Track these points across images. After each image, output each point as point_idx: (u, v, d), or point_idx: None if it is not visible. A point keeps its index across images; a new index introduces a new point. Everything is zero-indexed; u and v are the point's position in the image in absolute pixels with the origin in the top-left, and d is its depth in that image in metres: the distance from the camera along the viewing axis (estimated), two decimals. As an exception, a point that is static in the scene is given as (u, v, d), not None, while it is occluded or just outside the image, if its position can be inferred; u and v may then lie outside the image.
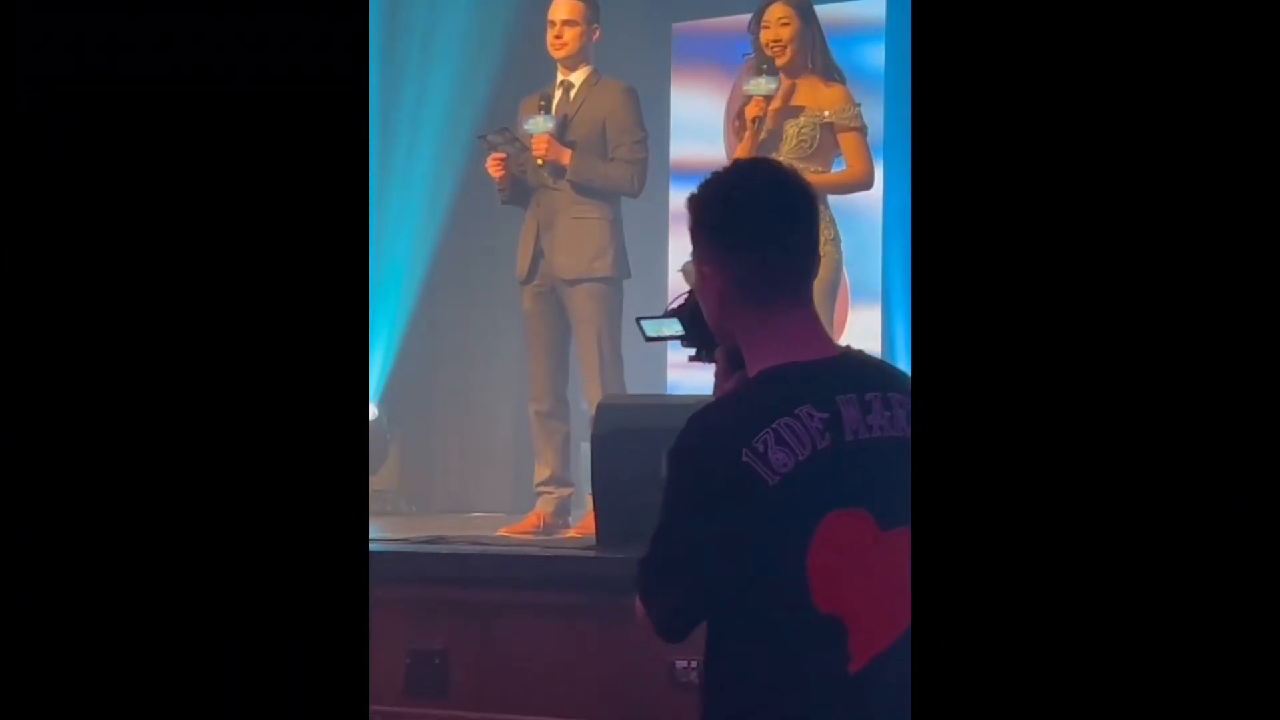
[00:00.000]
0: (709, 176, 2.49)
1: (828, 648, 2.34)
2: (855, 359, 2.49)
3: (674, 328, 2.51)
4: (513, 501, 7.36)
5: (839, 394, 2.39)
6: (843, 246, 5.52)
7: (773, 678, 2.36)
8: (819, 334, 2.47)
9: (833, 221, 5.45)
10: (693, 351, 2.49)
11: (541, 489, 5.97)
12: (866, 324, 7.46)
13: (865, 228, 7.20)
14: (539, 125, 5.85)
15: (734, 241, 2.43)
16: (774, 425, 2.34)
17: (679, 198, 7.03)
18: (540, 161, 5.85)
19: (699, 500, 2.37)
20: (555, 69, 6.00)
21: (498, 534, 5.80)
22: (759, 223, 2.42)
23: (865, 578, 2.36)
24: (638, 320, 2.66)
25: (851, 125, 5.46)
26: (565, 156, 5.83)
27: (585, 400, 5.89)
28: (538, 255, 5.92)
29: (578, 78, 5.97)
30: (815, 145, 5.44)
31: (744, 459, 2.33)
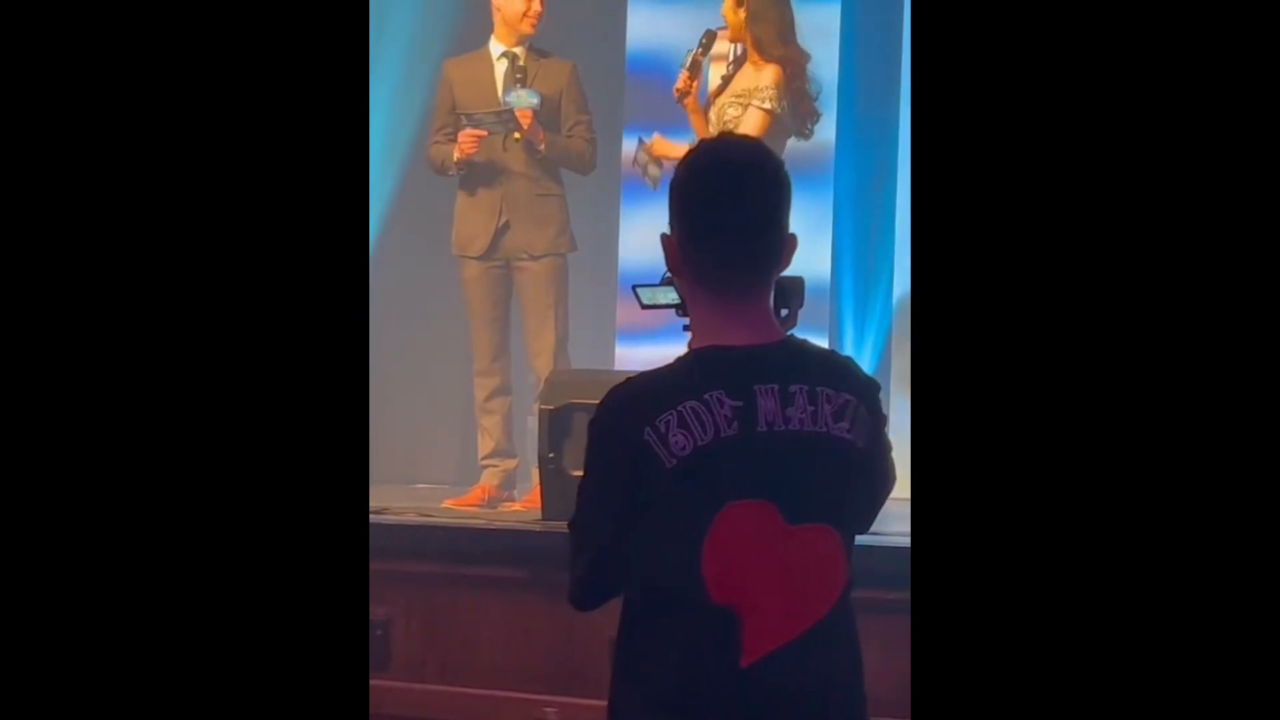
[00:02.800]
0: (697, 144, 2.46)
1: (719, 638, 2.27)
2: (792, 348, 2.39)
3: (669, 296, 2.47)
4: (457, 473, 7.34)
5: (760, 383, 2.30)
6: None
7: (665, 663, 2.31)
8: (761, 320, 2.38)
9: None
10: (687, 320, 2.45)
11: (486, 462, 5.97)
12: (814, 303, 7.48)
13: (815, 208, 7.21)
14: (523, 99, 5.83)
15: (686, 217, 2.37)
16: (679, 407, 2.27)
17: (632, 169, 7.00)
18: (518, 136, 5.84)
19: (604, 473, 2.34)
20: (487, 37, 5.98)
21: (443, 506, 5.80)
22: (712, 205, 2.35)
23: (765, 571, 2.28)
24: (634, 288, 2.63)
25: (761, 106, 5.42)
26: (541, 135, 5.83)
27: (532, 373, 5.89)
28: (500, 230, 5.91)
29: (520, 51, 5.96)
30: (736, 126, 5.42)
31: (645, 437, 2.27)
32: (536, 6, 5.93)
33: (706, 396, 2.29)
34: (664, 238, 2.40)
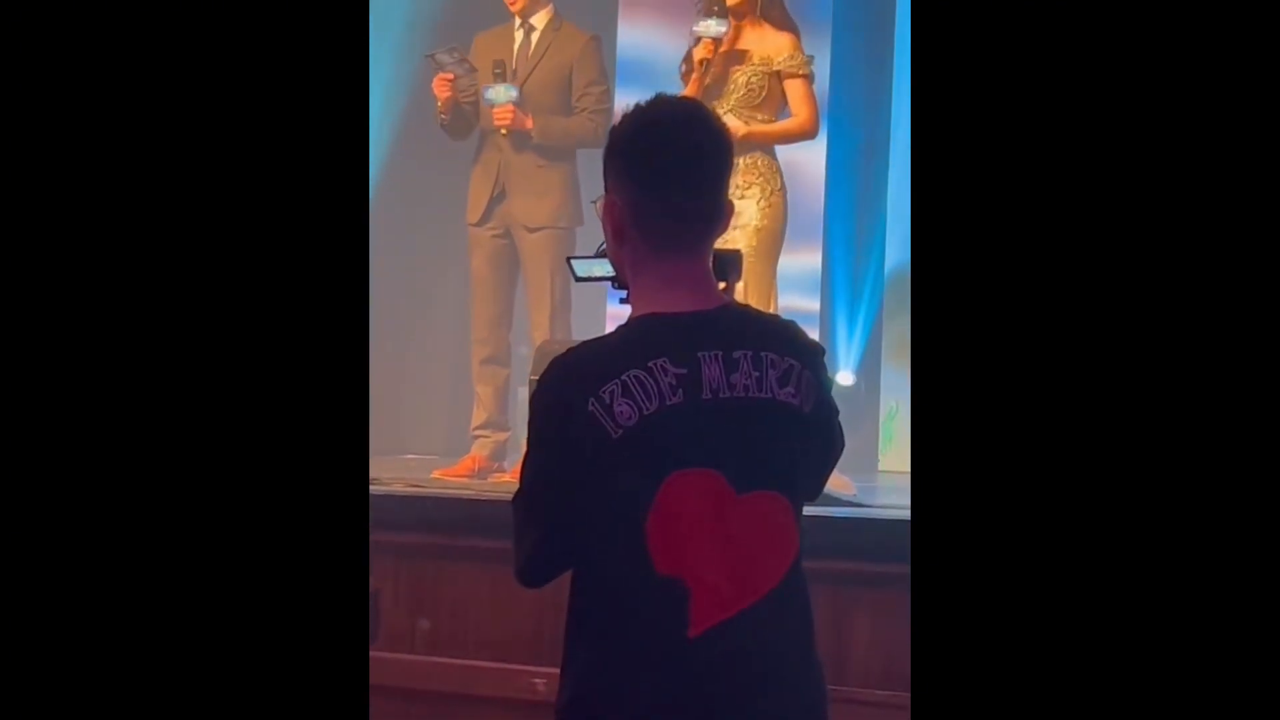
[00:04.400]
0: (634, 107, 2.40)
1: (665, 609, 2.23)
2: (734, 313, 2.37)
3: (604, 268, 2.44)
4: (446, 443, 7.33)
5: (704, 350, 2.28)
6: (788, 196, 5.50)
7: (613, 636, 2.28)
8: (703, 285, 2.35)
9: (779, 171, 5.43)
10: (624, 294, 2.42)
11: (478, 432, 5.95)
12: (807, 274, 7.47)
13: (808, 178, 7.19)
14: (501, 95, 5.80)
15: (635, 173, 2.33)
16: (622, 376, 2.24)
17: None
18: (504, 131, 5.80)
19: (548, 446, 2.29)
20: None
21: (432, 476, 5.79)
22: (662, 159, 2.31)
23: (713, 541, 2.25)
24: (568, 260, 2.60)
25: (799, 73, 5.42)
26: (529, 123, 5.80)
27: (531, 343, 5.88)
28: (496, 199, 5.89)
29: (539, 20, 5.93)
30: (764, 94, 5.40)
31: (590, 407, 2.23)
32: None
33: (650, 365, 2.26)
34: (604, 203, 2.36)
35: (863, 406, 7.47)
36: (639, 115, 2.36)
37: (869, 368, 7.65)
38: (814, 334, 7.68)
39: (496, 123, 5.81)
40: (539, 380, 2.33)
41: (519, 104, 5.80)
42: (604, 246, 2.41)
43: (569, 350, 2.35)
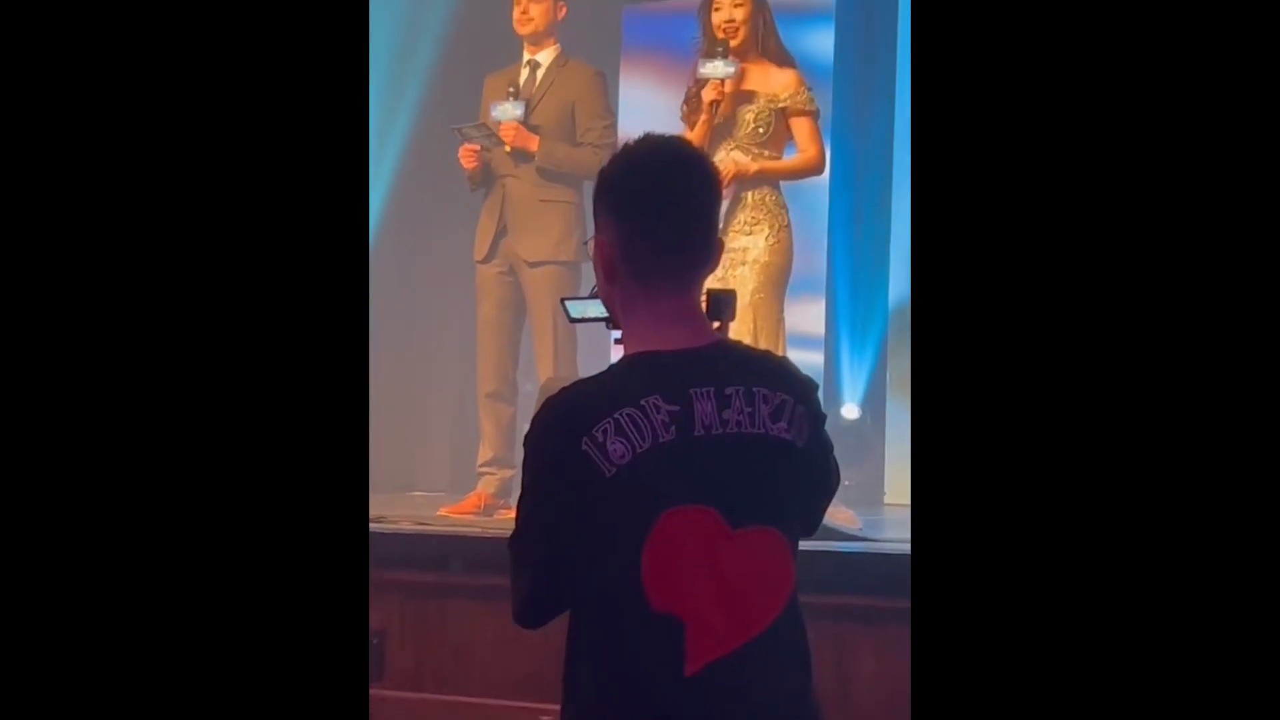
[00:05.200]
0: (622, 147, 2.42)
1: (662, 647, 2.23)
2: (726, 350, 2.38)
3: (598, 309, 2.46)
4: (451, 480, 7.33)
5: (696, 386, 2.28)
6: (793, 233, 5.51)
7: (610, 674, 2.27)
8: (694, 322, 2.36)
9: (785, 207, 5.45)
10: (618, 334, 2.43)
11: (484, 469, 5.96)
12: (812, 311, 7.47)
13: (812, 212, 7.20)
14: (507, 112, 5.85)
15: (626, 211, 2.34)
16: (615, 415, 2.24)
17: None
18: (508, 148, 5.83)
19: (543, 486, 2.29)
20: (519, 46, 5.99)
21: (438, 514, 5.79)
22: (653, 196, 2.33)
23: (709, 578, 2.25)
24: (562, 301, 2.61)
25: (804, 109, 5.45)
26: (533, 143, 5.83)
27: (536, 379, 5.89)
28: (499, 235, 5.92)
29: (545, 57, 5.97)
30: (771, 131, 5.43)
31: (583, 447, 2.23)
32: (525, 9, 5.92)
33: (643, 403, 2.26)
34: (595, 242, 2.37)
35: (868, 440, 7.47)
36: (627, 155, 2.38)
37: (874, 401, 7.65)
38: (819, 367, 7.73)
39: (502, 137, 5.83)
40: (533, 421, 2.33)
41: (524, 122, 5.82)
42: (597, 288, 2.43)
43: (561, 391, 2.35)
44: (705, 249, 2.37)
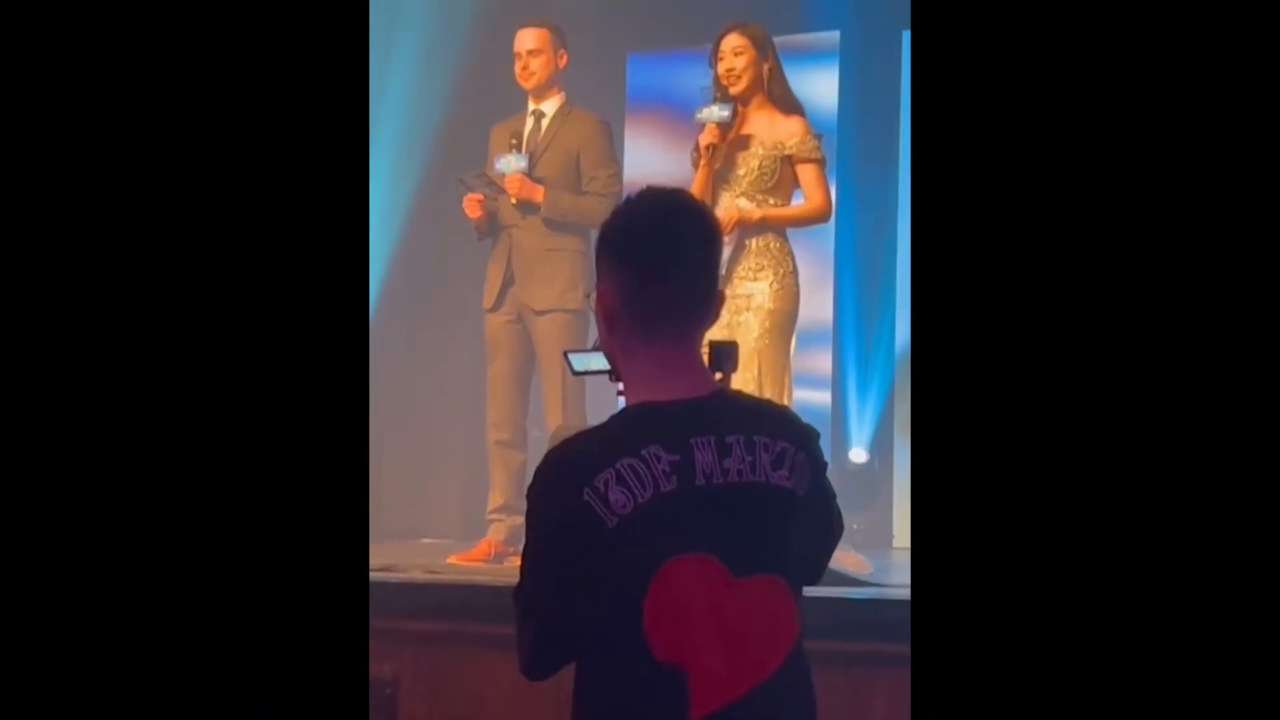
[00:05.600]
0: (624, 200, 2.45)
1: (666, 696, 2.24)
2: (726, 399, 2.40)
3: (600, 362, 2.48)
4: (463, 527, 7.34)
5: (696, 436, 2.30)
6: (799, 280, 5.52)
7: None
8: (694, 372, 2.39)
9: (791, 253, 5.46)
10: (620, 385, 2.45)
11: (494, 516, 5.97)
12: (819, 355, 7.49)
13: (817, 256, 7.22)
14: (511, 164, 5.88)
15: (626, 262, 2.37)
16: (616, 465, 2.26)
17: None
18: (514, 200, 5.86)
19: (546, 537, 2.31)
20: (525, 95, 6.03)
21: (448, 561, 5.80)
22: (652, 248, 2.36)
23: (711, 626, 2.26)
24: (565, 354, 2.63)
25: (811, 157, 5.46)
26: (538, 194, 5.86)
27: (546, 426, 5.90)
28: (507, 284, 5.94)
29: (549, 107, 6.00)
30: (776, 178, 5.44)
31: (584, 498, 2.25)
32: (525, 64, 5.96)
33: (643, 453, 2.28)
34: (597, 293, 2.40)
35: (876, 484, 7.47)
36: (628, 207, 2.41)
37: (882, 445, 7.65)
38: (827, 410, 7.74)
39: (507, 189, 5.86)
40: (535, 473, 2.35)
41: (528, 174, 5.86)
42: (599, 340, 2.45)
43: (563, 442, 2.37)
44: (705, 300, 2.39)
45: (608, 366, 2.45)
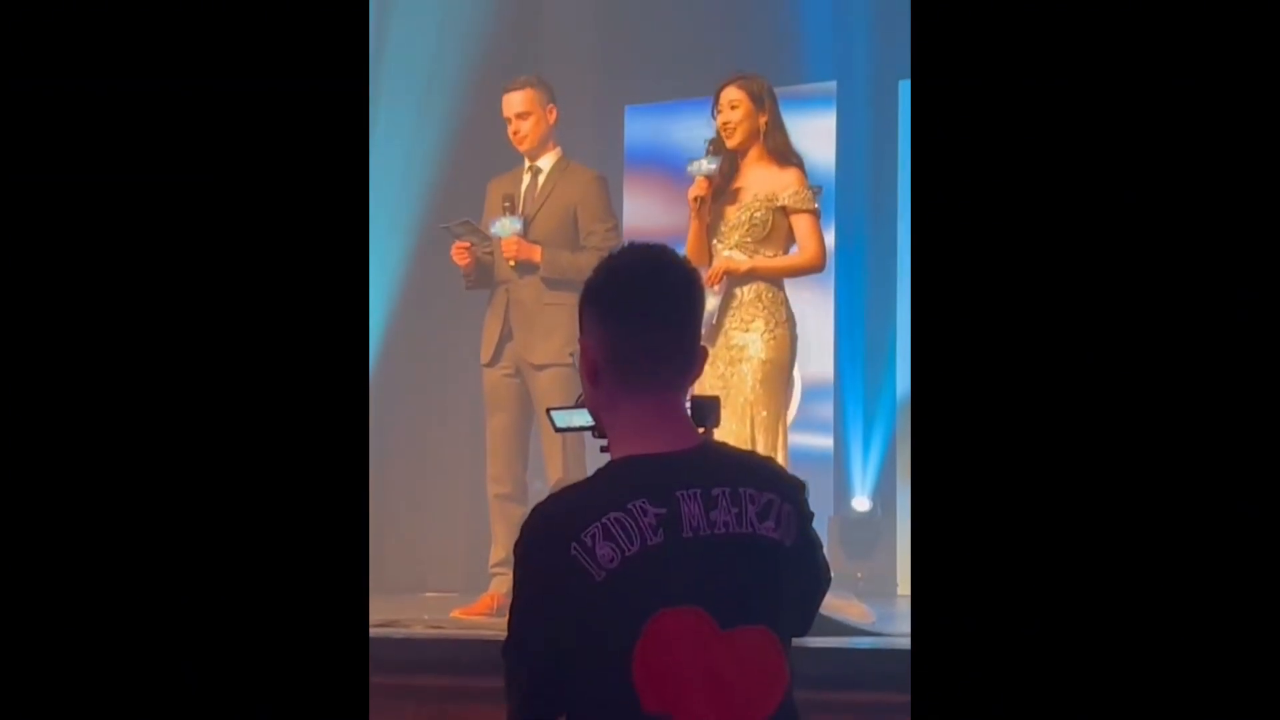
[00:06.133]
0: (606, 256, 2.48)
1: None
2: (712, 451, 2.41)
3: (584, 418, 2.49)
4: (466, 580, 7.34)
5: (682, 489, 2.31)
6: (798, 329, 5.53)
7: None
8: (679, 425, 2.39)
9: (785, 302, 5.47)
10: (604, 442, 2.47)
11: (496, 570, 5.96)
12: (821, 403, 7.50)
13: (818, 304, 7.25)
14: (506, 228, 5.90)
15: (607, 317, 2.39)
16: (603, 519, 2.26)
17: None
18: (512, 262, 5.89)
19: (533, 592, 2.31)
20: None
21: (451, 615, 5.80)
22: (633, 303, 2.38)
23: (699, 678, 2.26)
24: (548, 411, 2.65)
25: (804, 208, 5.46)
26: (535, 254, 5.88)
27: (545, 480, 5.91)
28: (504, 338, 5.96)
29: (546, 162, 6.02)
30: (769, 229, 5.45)
31: (572, 552, 2.25)
32: (515, 128, 6.00)
33: (630, 506, 2.28)
34: (580, 347, 2.42)
35: (879, 532, 7.47)
36: (610, 263, 2.44)
37: (885, 492, 7.66)
38: (829, 459, 7.74)
39: (504, 254, 5.89)
40: (522, 528, 2.35)
41: (524, 235, 5.88)
42: (582, 397, 2.46)
43: (549, 498, 2.39)
44: (689, 354, 2.41)
45: (590, 423, 2.47)
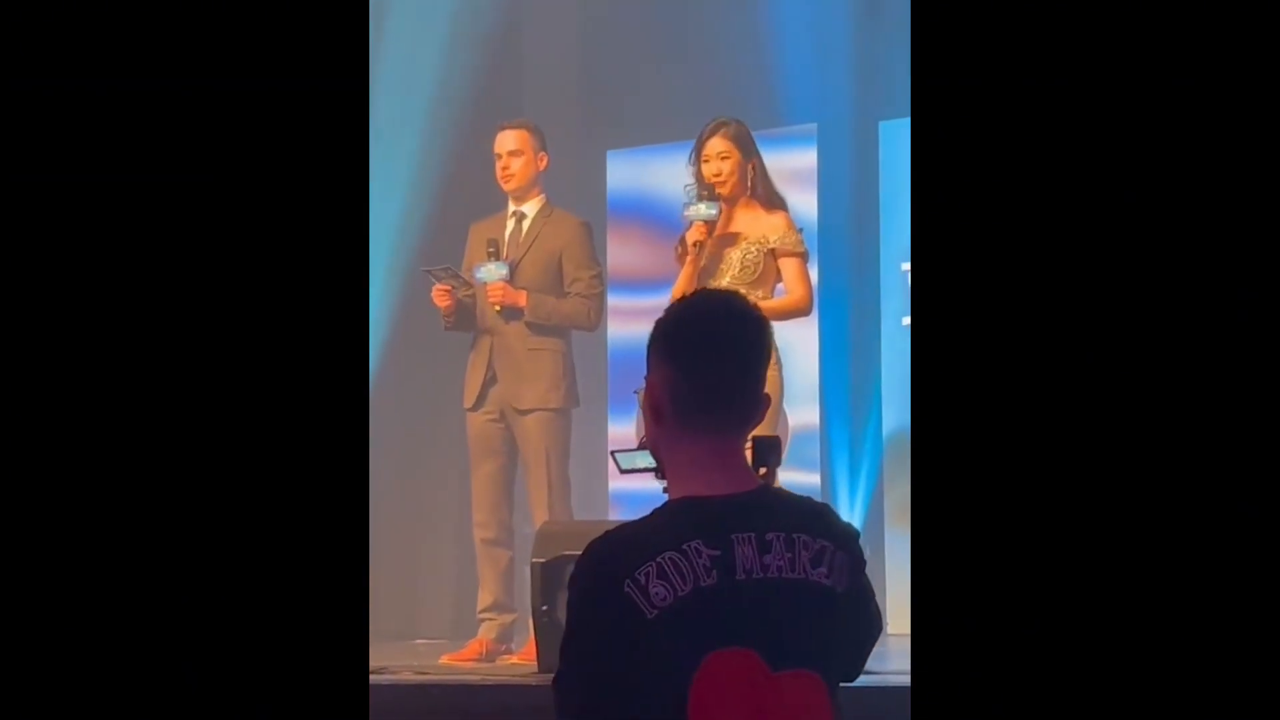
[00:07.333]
0: (680, 298, 2.55)
1: None
2: (769, 496, 2.44)
3: (647, 460, 2.53)
4: (455, 626, 7.32)
5: (737, 531, 2.34)
6: (784, 371, 5.58)
7: None
8: (737, 468, 2.43)
9: (774, 345, 5.50)
10: (665, 483, 2.49)
11: (484, 615, 5.96)
12: (807, 442, 7.50)
13: (803, 346, 7.25)
14: (491, 273, 5.92)
15: (677, 358, 2.42)
16: (658, 558, 2.30)
17: (615, 323, 7.07)
18: (497, 308, 5.90)
19: (586, 627, 2.35)
20: (505, 195, 6.08)
21: (440, 661, 5.78)
22: (704, 345, 2.42)
23: (750, 718, 2.29)
24: (612, 453, 2.71)
25: (793, 251, 5.57)
26: (521, 300, 5.90)
27: (532, 524, 5.91)
28: (489, 383, 5.96)
29: (530, 208, 6.05)
30: (760, 271, 5.53)
31: (625, 589, 2.29)
32: (505, 165, 6.01)
33: (684, 546, 2.31)
34: (646, 384, 2.44)
35: (868, 572, 7.44)
36: (684, 305, 2.49)
37: (872, 532, 7.65)
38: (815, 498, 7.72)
39: (490, 300, 5.89)
40: (576, 563, 2.38)
41: (509, 281, 5.89)
42: (644, 437, 2.49)
43: (605, 534, 2.40)
44: (752, 399, 2.44)
45: (653, 464, 2.50)
